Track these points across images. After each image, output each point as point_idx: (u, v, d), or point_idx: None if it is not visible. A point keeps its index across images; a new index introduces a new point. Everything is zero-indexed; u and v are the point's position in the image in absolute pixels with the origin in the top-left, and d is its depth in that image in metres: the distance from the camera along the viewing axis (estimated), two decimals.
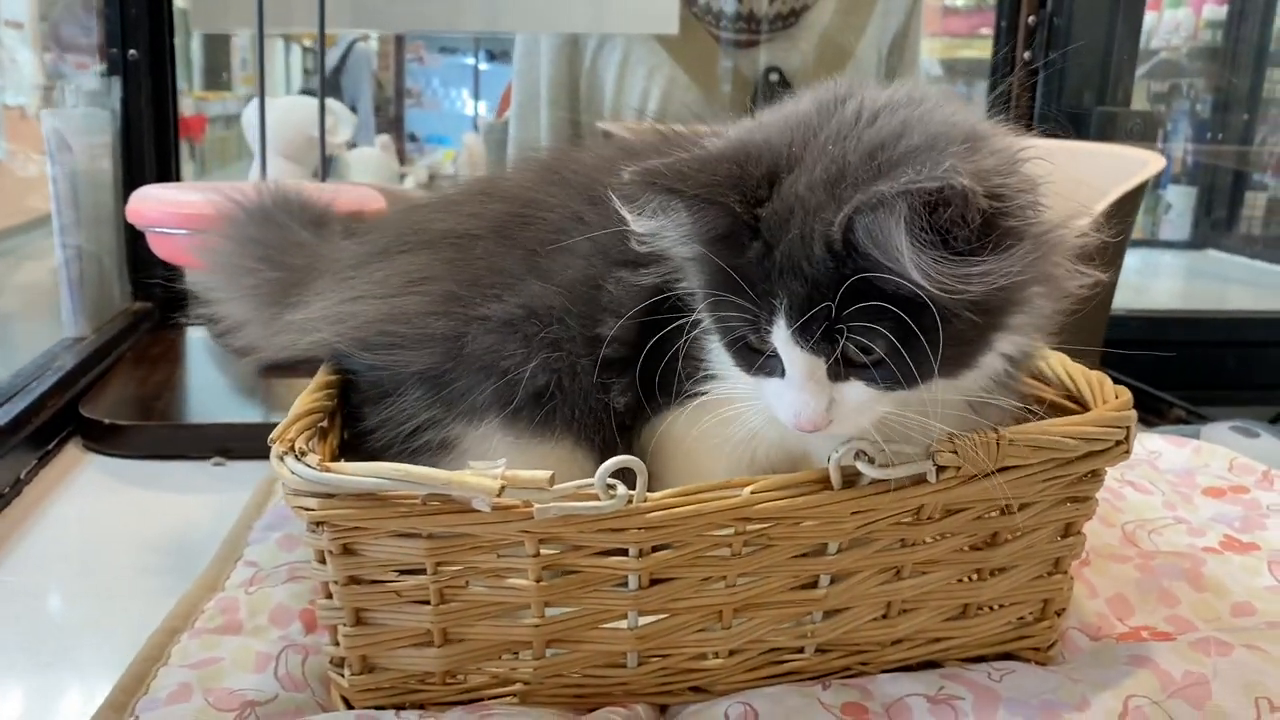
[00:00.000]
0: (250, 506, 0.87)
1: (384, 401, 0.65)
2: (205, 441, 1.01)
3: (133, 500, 0.93)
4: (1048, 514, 0.61)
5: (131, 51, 1.27)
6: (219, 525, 0.89)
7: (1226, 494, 0.88)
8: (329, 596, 0.59)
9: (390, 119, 4.35)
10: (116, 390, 1.10)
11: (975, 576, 0.62)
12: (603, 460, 0.56)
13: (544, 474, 0.53)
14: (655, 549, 0.56)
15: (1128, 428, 0.59)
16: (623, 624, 0.59)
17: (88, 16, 1.31)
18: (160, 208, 0.99)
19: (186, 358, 1.26)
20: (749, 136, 0.56)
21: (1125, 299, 1.64)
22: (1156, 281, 2.34)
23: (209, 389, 1.16)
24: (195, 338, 1.32)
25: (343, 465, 0.55)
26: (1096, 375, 0.64)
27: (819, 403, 0.53)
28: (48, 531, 0.87)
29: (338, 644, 0.60)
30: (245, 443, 1.01)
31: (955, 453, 0.55)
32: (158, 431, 1.01)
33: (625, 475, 0.54)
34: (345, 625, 0.59)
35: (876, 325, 0.50)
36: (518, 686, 0.61)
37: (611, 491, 0.54)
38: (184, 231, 0.97)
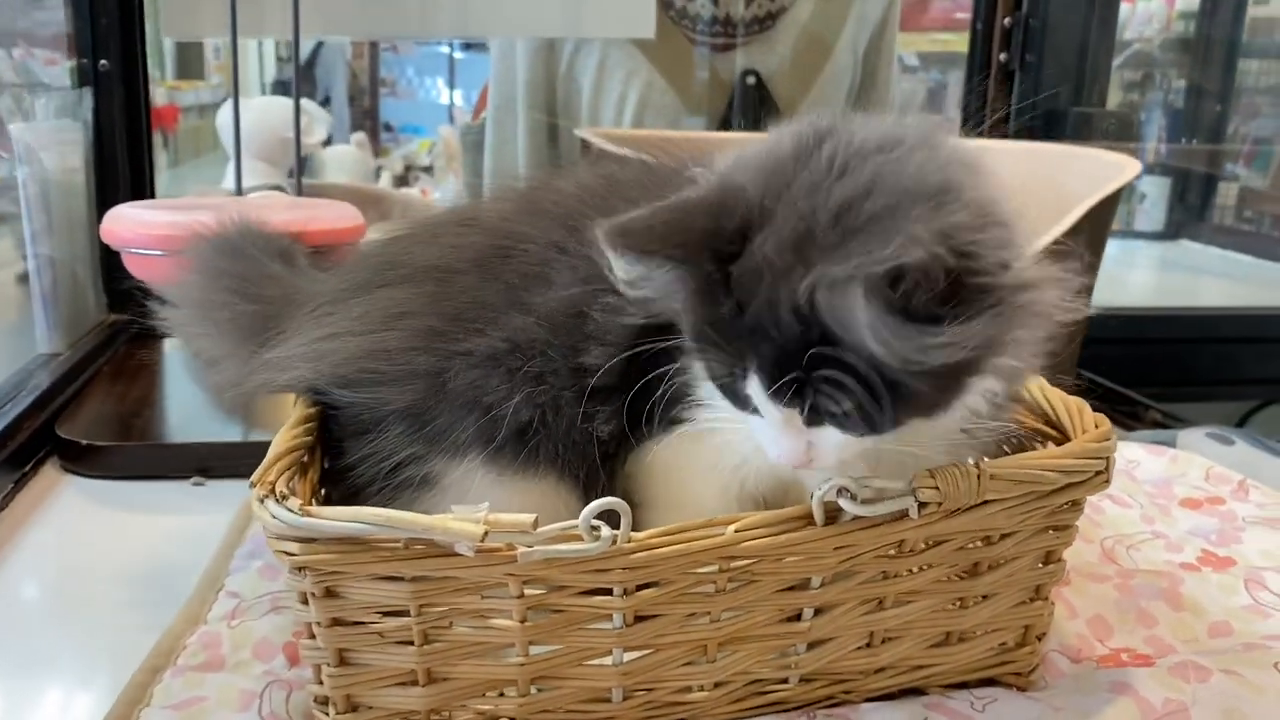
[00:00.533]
0: (231, 532, 0.86)
1: (365, 437, 0.65)
2: (185, 461, 1.00)
3: (113, 523, 0.93)
4: (1028, 543, 0.62)
5: (103, 62, 1.26)
6: (200, 549, 0.88)
7: (1203, 505, 0.89)
8: (312, 636, 0.59)
9: (364, 109, 4.32)
10: (94, 409, 1.09)
11: (957, 605, 0.62)
12: (587, 494, 0.55)
13: (527, 517, 0.53)
14: (640, 587, 0.57)
15: (1108, 458, 0.59)
16: (608, 660, 0.59)
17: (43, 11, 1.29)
18: (136, 228, 0.98)
19: (164, 373, 1.25)
20: (726, 181, 0.56)
21: (1100, 294, 1.65)
22: (1132, 273, 2.36)
23: (188, 406, 1.15)
24: (173, 351, 1.31)
25: (323, 510, 0.55)
26: (1075, 402, 0.65)
27: (798, 444, 0.53)
28: (28, 559, 0.86)
29: (321, 683, 0.60)
30: (225, 462, 1.00)
31: (937, 488, 0.56)
32: (136, 452, 1.00)
33: (609, 515, 0.54)
34: (329, 666, 0.59)
35: (843, 385, 0.50)
36: None
37: (595, 533, 0.54)
38: (160, 252, 0.96)
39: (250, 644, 0.69)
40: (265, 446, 1.00)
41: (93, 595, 0.81)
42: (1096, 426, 0.62)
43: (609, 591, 0.57)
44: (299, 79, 1.23)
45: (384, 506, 0.56)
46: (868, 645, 0.62)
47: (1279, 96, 2.59)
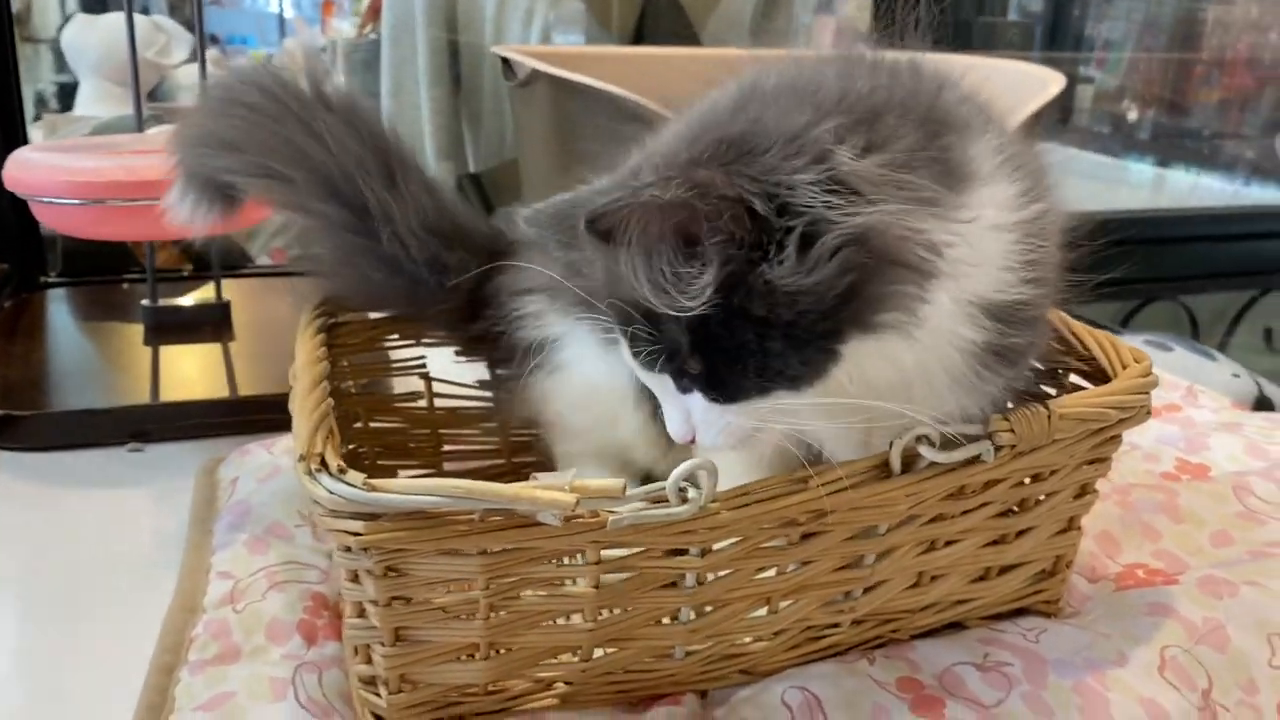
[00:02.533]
0: (198, 504, 0.80)
1: None
2: (117, 426, 0.92)
3: (51, 501, 0.84)
4: (1070, 477, 0.63)
5: None
6: (155, 522, 0.82)
7: (1162, 413, 0.93)
8: (361, 615, 0.56)
9: (186, 20, 4.03)
10: None
11: (1001, 540, 0.63)
12: None
13: (616, 483, 0.51)
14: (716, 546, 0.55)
15: (1151, 392, 0.61)
16: (674, 619, 0.58)
17: None
18: (51, 175, 0.87)
19: (59, 327, 1.15)
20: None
21: None
22: None
23: (101, 364, 1.06)
24: (59, 300, 1.20)
25: (390, 483, 0.50)
26: (1106, 336, 0.66)
27: (679, 414, 0.53)
28: None
29: (370, 662, 0.57)
30: (163, 424, 0.93)
31: (1012, 430, 0.56)
32: (62, 419, 0.92)
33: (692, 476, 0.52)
34: (383, 645, 0.55)
35: (679, 340, 0.50)
36: (560, 688, 0.60)
37: (683, 495, 0.52)
38: (78, 201, 0.87)
39: (261, 628, 0.64)
40: (202, 406, 0.95)
41: (51, 581, 0.74)
42: (1136, 361, 0.63)
43: (685, 552, 0.55)
44: None
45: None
46: (916, 585, 0.63)
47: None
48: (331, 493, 0.50)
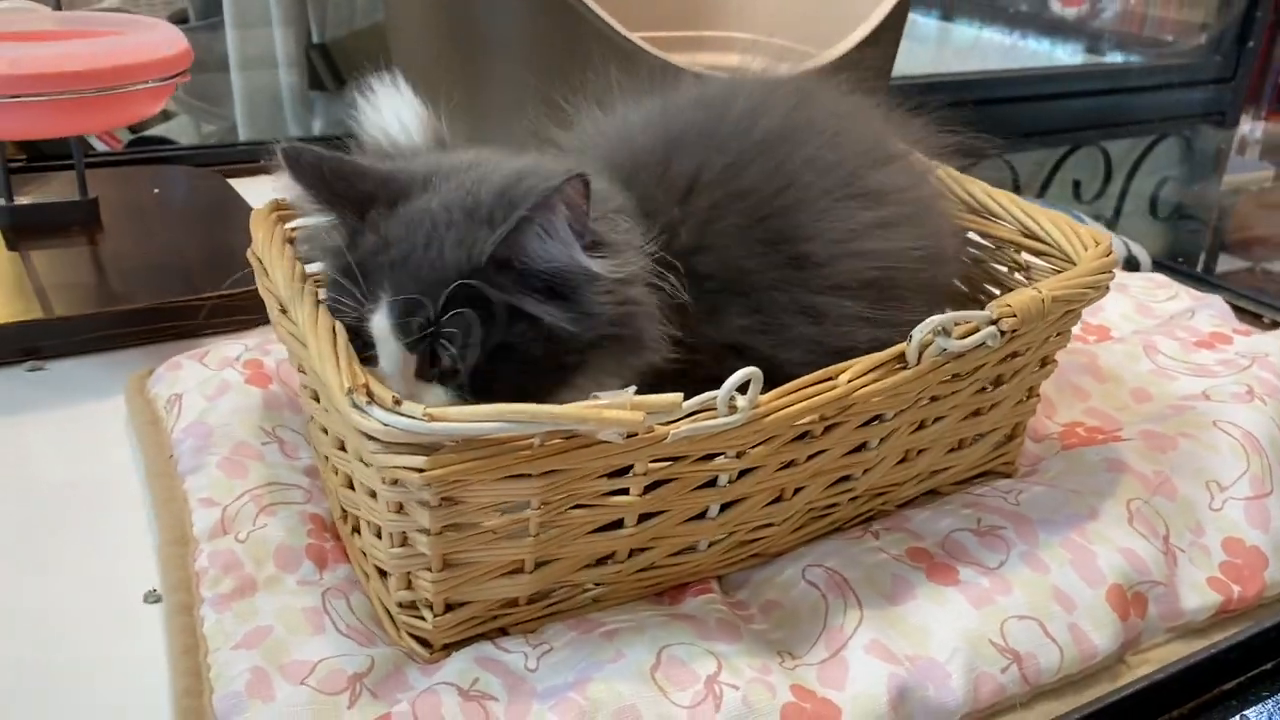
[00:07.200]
0: (143, 425, 0.75)
1: None
2: (9, 343, 0.85)
3: None
4: (1037, 351, 0.68)
5: None
6: (85, 446, 0.77)
7: None
8: (404, 544, 0.55)
9: None
10: None
11: (978, 413, 0.68)
12: None
13: (675, 397, 0.52)
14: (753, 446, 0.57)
15: (1113, 270, 0.66)
16: (705, 516, 0.60)
17: None
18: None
19: None
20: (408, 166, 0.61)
21: None
22: None
23: None
24: None
25: (451, 412, 0.49)
26: (1064, 219, 0.70)
27: (405, 388, 0.55)
28: None
29: (410, 588, 0.57)
30: (59, 340, 0.87)
31: (1015, 315, 0.60)
32: None
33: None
34: (430, 571, 0.55)
35: (470, 334, 0.54)
36: (593, 590, 0.61)
37: (733, 404, 0.53)
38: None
39: (269, 556, 0.63)
40: (106, 318, 0.88)
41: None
42: (1096, 242, 0.67)
43: (721, 455, 0.57)
44: None
45: None
46: (904, 460, 0.67)
47: None
48: (387, 426, 0.49)
